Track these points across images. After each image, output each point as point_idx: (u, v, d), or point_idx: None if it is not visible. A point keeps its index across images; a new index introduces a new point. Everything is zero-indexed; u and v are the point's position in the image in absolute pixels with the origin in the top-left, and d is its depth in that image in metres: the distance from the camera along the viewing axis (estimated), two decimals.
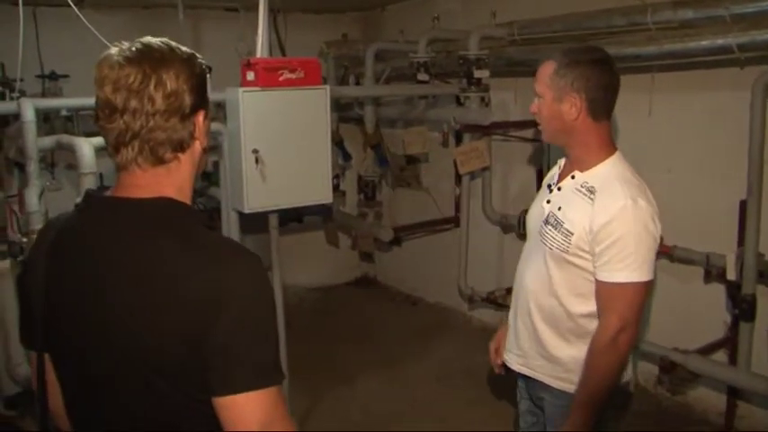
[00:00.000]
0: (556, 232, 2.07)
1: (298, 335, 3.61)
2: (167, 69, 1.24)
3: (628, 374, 2.22)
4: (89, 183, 2.98)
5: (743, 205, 3.26)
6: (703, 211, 3.63)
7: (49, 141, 3.32)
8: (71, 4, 3.01)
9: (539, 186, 2.36)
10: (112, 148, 1.28)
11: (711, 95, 3.53)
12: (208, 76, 1.35)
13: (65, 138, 3.31)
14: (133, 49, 1.26)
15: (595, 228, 1.97)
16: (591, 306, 2.07)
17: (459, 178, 4.92)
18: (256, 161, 2.94)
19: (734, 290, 3.31)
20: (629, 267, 1.95)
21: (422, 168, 5.67)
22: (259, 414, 1.19)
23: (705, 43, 3.18)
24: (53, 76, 4.52)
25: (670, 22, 3.34)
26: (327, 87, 3.15)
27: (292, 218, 4.95)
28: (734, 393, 3.55)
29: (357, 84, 5.31)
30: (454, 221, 5.21)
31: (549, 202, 2.16)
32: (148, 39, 1.29)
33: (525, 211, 2.38)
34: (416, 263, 5.93)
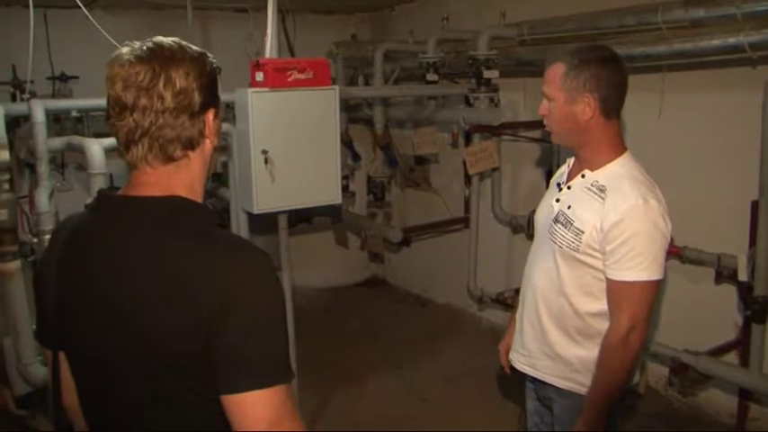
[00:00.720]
0: (566, 230, 2.07)
1: (307, 335, 3.61)
2: (177, 67, 1.25)
3: (635, 376, 2.22)
4: (99, 183, 3.00)
5: (755, 206, 3.23)
6: (714, 212, 3.61)
7: (59, 142, 3.34)
8: (81, 5, 3.02)
9: (548, 187, 2.36)
10: (123, 146, 1.29)
11: (723, 95, 3.50)
12: (218, 75, 1.35)
13: (75, 139, 3.32)
14: (144, 47, 1.27)
15: (606, 226, 1.97)
16: (599, 305, 2.07)
17: (468, 179, 4.90)
18: (265, 162, 2.94)
19: (745, 291, 3.28)
20: (639, 266, 1.96)
21: (431, 169, 5.67)
22: (267, 412, 1.18)
23: (716, 42, 3.16)
24: (63, 78, 4.54)
25: (681, 22, 3.32)
26: (336, 88, 3.15)
27: (301, 218, 4.95)
28: (745, 395, 3.52)
29: (366, 84, 5.31)
30: (464, 222, 5.19)
31: (558, 200, 2.16)
32: (159, 38, 1.30)
33: (534, 212, 2.37)
34: (426, 264, 5.92)
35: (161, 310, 1.21)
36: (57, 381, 1.44)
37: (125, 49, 1.27)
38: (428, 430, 3.80)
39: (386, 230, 5.23)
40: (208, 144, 1.34)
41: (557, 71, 2.05)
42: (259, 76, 2.99)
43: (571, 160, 2.23)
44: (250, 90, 2.93)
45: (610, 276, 2.01)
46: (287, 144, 3.00)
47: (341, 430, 3.79)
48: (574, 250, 2.05)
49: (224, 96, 1.41)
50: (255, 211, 3.00)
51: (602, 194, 2.02)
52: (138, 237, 1.27)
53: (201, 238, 1.27)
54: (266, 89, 2.94)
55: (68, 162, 4.65)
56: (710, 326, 3.65)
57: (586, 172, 2.10)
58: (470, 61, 4.38)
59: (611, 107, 2.06)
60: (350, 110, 5.44)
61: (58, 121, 4.04)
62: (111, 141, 3.19)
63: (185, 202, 1.31)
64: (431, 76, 4.67)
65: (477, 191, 4.83)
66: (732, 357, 3.53)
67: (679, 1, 3.33)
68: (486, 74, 4.35)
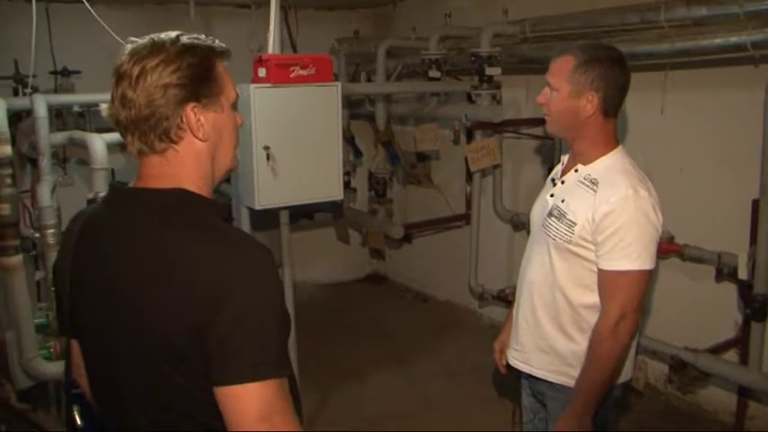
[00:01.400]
0: (559, 223, 2.10)
1: (308, 332, 3.61)
2: (152, 61, 1.27)
3: (628, 373, 2.23)
4: (101, 178, 3.00)
5: (755, 204, 3.23)
6: (715, 210, 3.61)
7: (61, 137, 3.35)
8: (83, 0, 3.02)
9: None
10: (122, 136, 1.34)
11: (725, 93, 3.50)
12: (221, 69, 1.35)
13: (77, 134, 3.33)
14: (138, 43, 1.31)
15: (598, 217, 2.01)
16: (592, 297, 2.10)
17: (470, 176, 4.91)
18: (267, 158, 2.94)
19: (745, 289, 3.28)
20: (630, 256, 1.98)
21: (433, 166, 5.67)
22: (258, 406, 1.19)
23: (719, 41, 3.16)
24: (65, 73, 4.54)
25: (683, 20, 3.32)
26: (339, 84, 3.15)
27: (303, 215, 4.96)
28: (745, 393, 3.52)
29: (368, 81, 5.31)
30: (465, 219, 5.20)
31: (552, 195, 2.20)
32: (161, 33, 1.32)
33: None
34: (427, 260, 5.93)
35: (160, 301, 1.23)
36: (69, 367, 1.50)
37: (129, 45, 1.32)
38: (429, 427, 3.80)
39: (387, 227, 5.23)
40: (194, 139, 1.33)
41: (566, 64, 2.07)
42: (261, 72, 2.99)
43: (565, 158, 2.27)
44: (252, 86, 2.93)
45: (601, 266, 2.04)
46: (289, 140, 3.00)
47: (341, 426, 3.79)
48: (567, 242, 2.08)
49: None
50: (257, 206, 3.01)
51: (595, 187, 2.05)
52: (142, 228, 1.30)
53: (203, 230, 1.28)
54: (269, 85, 2.94)
55: (70, 157, 4.66)
56: (710, 324, 3.65)
57: (579, 166, 2.14)
58: (473, 58, 4.39)
59: (612, 107, 2.09)
60: (352, 106, 5.43)
61: (59, 116, 4.05)
62: (112, 136, 3.20)
63: (189, 194, 1.32)
64: (433, 73, 4.67)
65: (478, 188, 4.84)
66: (732, 355, 3.53)
67: None
68: (489, 71, 4.36)
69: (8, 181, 2.98)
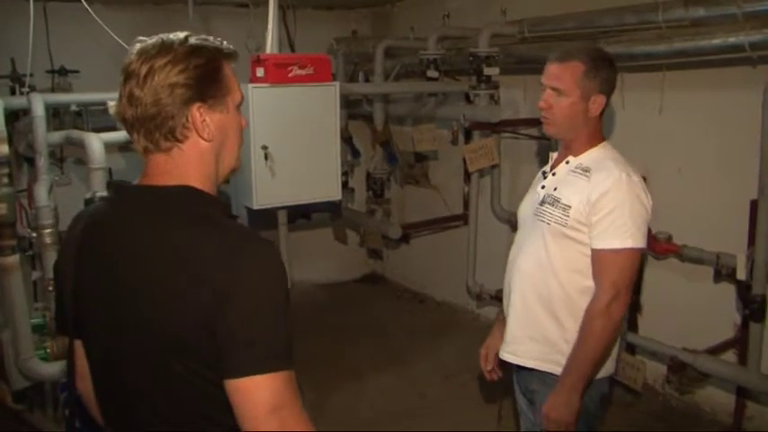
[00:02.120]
0: (554, 209, 2.18)
1: (305, 332, 3.60)
2: (160, 60, 1.28)
3: (610, 369, 2.28)
4: (99, 178, 2.99)
5: (754, 205, 3.23)
6: (714, 211, 3.61)
7: (58, 136, 3.34)
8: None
9: None
10: (128, 134, 1.35)
11: (723, 94, 3.50)
12: (228, 71, 1.37)
13: (74, 133, 3.32)
14: (146, 42, 1.32)
15: (593, 198, 2.10)
16: (585, 281, 2.16)
17: (467, 176, 4.91)
18: (265, 157, 2.94)
19: (744, 290, 3.28)
20: (623, 235, 2.07)
21: (431, 166, 5.67)
22: (268, 398, 1.20)
23: (717, 41, 3.16)
24: (63, 72, 4.53)
25: (681, 21, 3.32)
26: (337, 84, 3.15)
27: (301, 214, 4.95)
28: (743, 394, 3.52)
29: (366, 81, 5.30)
30: (463, 219, 5.19)
31: (543, 187, 2.28)
32: (170, 33, 1.34)
33: None
34: (424, 260, 5.92)
35: (166, 295, 1.25)
36: (72, 368, 1.48)
37: (137, 44, 1.33)
38: (425, 427, 3.80)
39: (385, 227, 5.23)
40: (199, 139, 1.34)
41: (576, 69, 2.16)
42: (259, 72, 2.99)
43: (554, 155, 2.36)
44: (250, 85, 2.93)
45: (595, 246, 2.11)
46: (287, 140, 3.00)
47: (338, 427, 3.78)
48: (562, 225, 2.15)
49: None
50: (255, 206, 3.01)
51: (587, 173, 2.16)
52: (149, 225, 1.31)
53: (209, 225, 1.30)
54: (267, 85, 2.94)
55: (67, 156, 4.64)
56: (709, 324, 3.65)
57: (570, 158, 2.24)
58: (471, 58, 4.38)
59: (606, 105, 2.23)
60: (350, 106, 5.43)
61: (57, 115, 4.04)
62: (110, 136, 3.20)
63: (194, 191, 1.33)
64: (431, 73, 4.67)
65: (476, 188, 4.84)
66: (730, 356, 3.53)
67: (679, 0, 3.33)
68: (487, 71, 4.35)
69: (5, 180, 2.97)
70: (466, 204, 5.13)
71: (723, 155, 3.56)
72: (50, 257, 3.03)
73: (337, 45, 5.72)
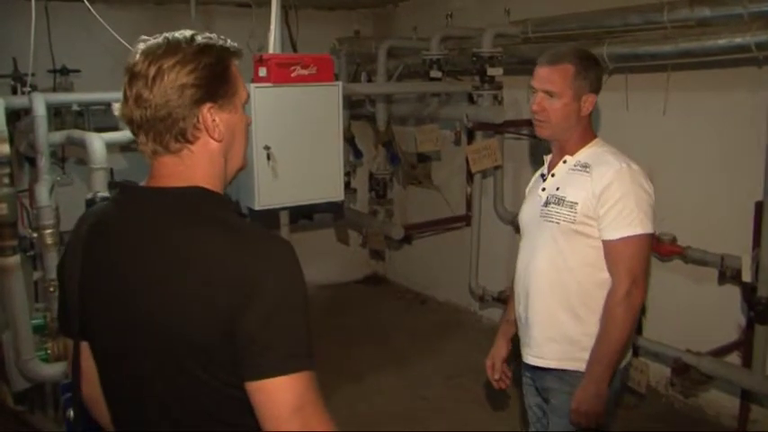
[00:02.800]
0: (560, 208, 2.21)
1: None
2: (169, 61, 1.26)
3: (627, 357, 2.32)
4: (100, 178, 2.98)
5: (759, 206, 3.21)
6: (718, 212, 3.59)
7: (59, 136, 3.32)
8: None
9: None
10: (134, 136, 1.33)
11: (728, 95, 3.48)
12: (235, 70, 1.35)
13: (76, 133, 3.31)
14: (151, 42, 1.30)
15: (598, 191, 2.14)
16: (601, 274, 2.18)
17: (470, 177, 4.89)
18: (268, 158, 2.93)
19: (749, 292, 3.27)
20: (632, 223, 2.11)
21: (433, 166, 5.66)
22: (290, 398, 1.20)
23: (722, 42, 3.14)
24: (64, 71, 4.52)
25: (687, 21, 3.31)
26: (340, 84, 3.14)
27: (303, 215, 4.94)
28: (747, 397, 3.51)
29: (369, 81, 5.29)
30: (465, 220, 5.19)
31: (544, 189, 2.30)
32: (175, 32, 1.32)
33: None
34: (427, 261, 5.91)
35: (183, 298, 1.23)
36: (77, 371, 1.46)
37: (141, 44, 1.31)
38: (427, 429, 3.79)
39: (387, 228, 5.21)
40: (208, 139, 1.33)
41: (567, 71, 2.21)
42: (262, 72, 2.97)
43: (548, 158, 2.39)
44: (253, 85, 2.92)
45: (606, 237, 2.14)
46: (289, 140, 2.99)
47: (340, 428, 3.77)
48: (571, 222, 2.18)
49: None
50: (257, 207, 2.99)
51: (588, 169, 2.20)
52: (161, 227, 1.29)
53: (222, 226, 1.28)
54: (269, 84, 2.93)
55: (69, 156, 4.63)
56: (713, 326, 3.63)
57: (567, 157, 2.27)
58: (474, 58, 4.37)
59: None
60: (352, 106, 5.41)
61: (58, 115, 4.03)
62: (111, 136, 3.19)
63: (205, 192, 1.32)
64: (434, 73, 4.65)
65: (479, 189, 4.83)
66: (734, 358, 3.51)
67: (685, 0, 3.31)
68: (490, 71, 4.34)
69: (6, 180, 2.96)
70: (468, 205, 5.12)
71: (728, 156, 3.54)
72: (51, 258, 3.02)
73: (340, 45, 5.70)
